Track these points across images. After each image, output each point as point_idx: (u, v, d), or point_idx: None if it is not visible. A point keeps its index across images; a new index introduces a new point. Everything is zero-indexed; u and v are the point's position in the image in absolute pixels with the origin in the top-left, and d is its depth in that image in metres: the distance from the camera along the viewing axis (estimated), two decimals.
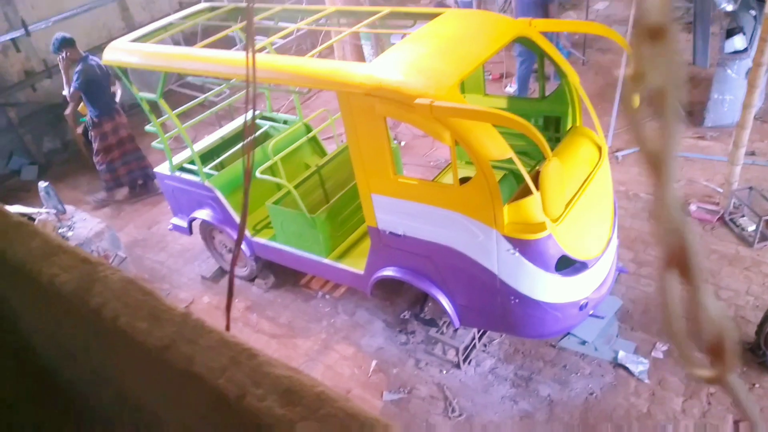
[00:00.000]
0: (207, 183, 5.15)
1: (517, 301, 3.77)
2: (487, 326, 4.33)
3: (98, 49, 9.07)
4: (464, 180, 4.80)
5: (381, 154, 3.72)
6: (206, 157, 5.66)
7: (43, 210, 5.61)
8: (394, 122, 7.87)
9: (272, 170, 4.95)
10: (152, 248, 6.59)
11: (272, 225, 5.01)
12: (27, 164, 8.40)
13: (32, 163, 8.40)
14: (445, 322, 4.68)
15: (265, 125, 6.01)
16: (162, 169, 5.56)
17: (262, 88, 5.87)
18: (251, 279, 5.73)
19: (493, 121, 3.28)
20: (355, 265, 4.71)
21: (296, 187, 4.78)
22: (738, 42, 6.43)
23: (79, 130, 8.13)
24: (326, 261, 4.81)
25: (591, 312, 4.00)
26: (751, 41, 6.44)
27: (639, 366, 4.42)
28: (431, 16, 4.23)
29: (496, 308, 3.93)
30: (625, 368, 4.43)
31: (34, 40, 8.10)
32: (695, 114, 7.22)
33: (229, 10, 5.30)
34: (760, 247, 5.27)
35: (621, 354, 4.51)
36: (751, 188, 5.58)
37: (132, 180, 7.48)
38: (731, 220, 5.58)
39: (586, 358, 4.57)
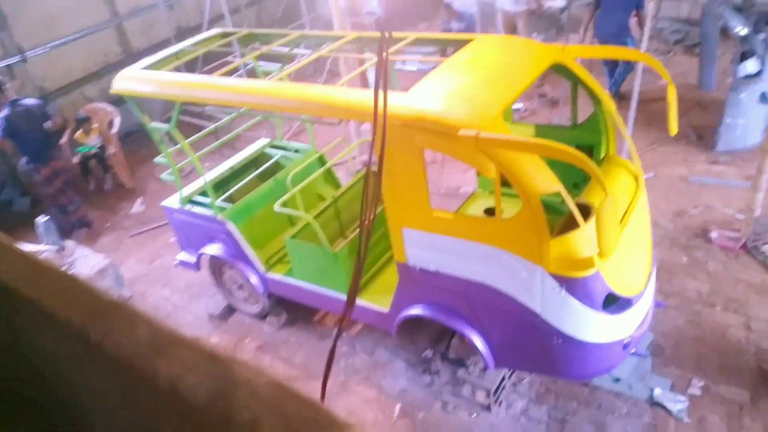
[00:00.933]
0: (219, 216, 4.92)
1: (560, 341, 3.57)
2: (523, 367, 4.12)
3: (96, 76, 8.89)
4: (488, 211, 4.66)
5: (416, 186, 3.54)
6: (214, 189, 5.44)
7: (42, 247, 5.33)
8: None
9: (290, 203, 4.73)
10: (155, 283, 6.31)
11: (290, 260, 4.78)
12: (18, 196, 8.09)
13: (24, 194, 8.09)
14: (474, 362, 4.46)
15: (276, 154, 5.81)
16: (170, 202, 5.32)
17: (274, 117, 5.69)
18: (263, 316, 5.46)
19: (543, 153, 3.11)
20: (379, 302, 4.49)
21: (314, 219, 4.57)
22: (750, 66, 6.40)
23: (76, 159, 7.87)
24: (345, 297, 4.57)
25: (633, 350, 3.81)
26: (763, 64, 6.43)
27: (677, 405, 4.23)
28: (461, 43, 4.09)
29: (536, 349, 3.73)
30: (663, 407, 4.24)
31: (29, 66, 7.86)
32: (706, 138, 7.17)
33: (243, 36, 5.13)
34: None
35: (657, 392, 4.32)
36: None
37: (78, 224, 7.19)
38: (755, 247, 5.47)
39: (621, 396, 4.37)
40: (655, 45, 9.66)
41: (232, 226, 4.92)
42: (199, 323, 5.65)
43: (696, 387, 4.35)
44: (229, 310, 5.70)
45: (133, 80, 4.56)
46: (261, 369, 0.84)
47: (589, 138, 4.15)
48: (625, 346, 3.69)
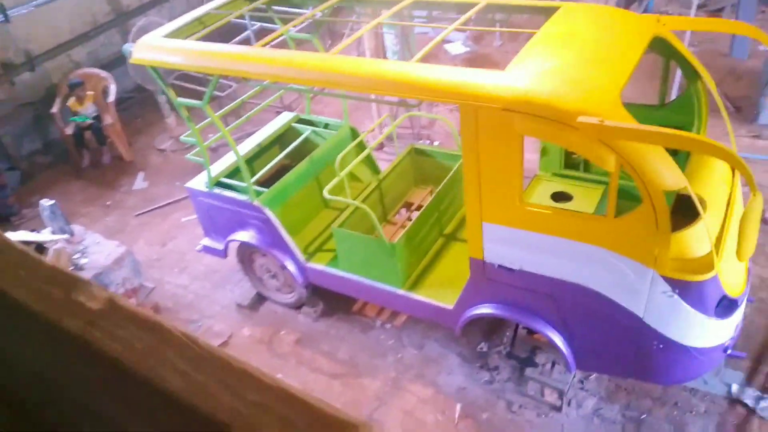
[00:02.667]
0: (256, 202, 4.44)
1: (661, 346, 3.27)
2: (610, 372, 3.83)
3: (84, 37, 8.11)
4: (556, 196, 4.27)
5: (508, 178, 3.13)
6: (237, 170, 4.93)
7: (52, 236, 4.78)
8: (428, 121, 7.26)
9: (337, 188, 4.27)
10: (170, 269, 5.81)
11: (337, 250, 4.36)
12: (6, 169, 7.40)
13: (11, 168, 7.41)
14: (551, 362, 4.16)
15: (305, 130, 5.30)
16: (195, 184, 4.80)
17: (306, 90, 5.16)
18: (298, 307, 5.05)
19: (680, 145, 2.73)
20: (439, 297, 4.12)
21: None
22: None
23: (69, 130, 7.21)
24: (403, 292, 4.20)
25: (730, 351, 3.53)
26: None
27: (760, 402, 4.00)
28: (541, 11, 3.64)
29: (630, 353, 3.43)
30: (743, 404, 4.01)
31: (12, 27, 7.08)
32: (744, 110, 6.86)
33: None
34: None
35: (735, 387, 4.10)
36: None
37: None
38: None
39: (697, 393, 4.12)
40: (675, 8, 9.25)
41: (269, 213, 4.46)
42: (227, 314, 5.21)
43: None
44: (259, 299, 5.27)
45: (158, 50, 3.99)
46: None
47: (679, 119, 3.77)
48: (725, 349, 3.41)
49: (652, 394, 4.15)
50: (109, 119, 7.32)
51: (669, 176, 2.76)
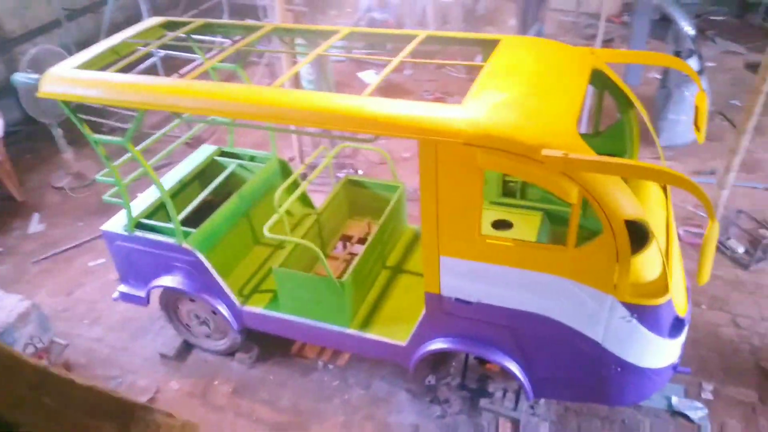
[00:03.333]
0: (185, 245, 4.09)
1: (619, 369, 3.31)
2: (569, 398, 3.82)
3: None
4: (497, 224, 4.28)
5: (467, 211, 3.07)
6: (156, 210, 4.55)
7: None
8: (352, 151, 7.14)
9: (277, 225, 4.03)
10: (80, 321, 5.23)
11: (278, 291, 4.10)
12: None
13: None
14: (503, 390, 4.11)
15: (230, 164, 5.00)
16: (112, 226, 4.35)
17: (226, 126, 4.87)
18: (231, 353, 4.70)
19: (644, 176, 2.78)
20: (391, 334, 3.97)
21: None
22: (694, 64, 6.61)
23: None
24: (352, 332, 4.01)
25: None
26: (701, 64, 6.68)
27: (698, 412, 4.19)
28: (478, 43, 3.66)
29: (589, 378, 3.44)
30: (684, 416, 4.18)
31: None
32: (642, 133, 7.34)
33: (197, 27, 4.26)
34: (756, 269, 5.35)
35: (674, 400, 4.26)
36: (740, 211, 5.69)
37: None
38: (721, 243, 5.63)
39: (641, 409, 4.24)
40: (571, 39, 9.84)
41: (200, 256, 4.12)
42: (150, 367, 4.74)
43: (707, 391, 4.33)
44: (186, 348, 4.85)
45: (71, 83, 3.59)
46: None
47: (612, 147, 3.91)
48: (674, 367, 3.53)
49: (599, 414, 4.21)
50: None
51: (629, 206, 2.81)
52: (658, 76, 7.65)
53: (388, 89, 8.72)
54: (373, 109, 2.98)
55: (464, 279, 3.34)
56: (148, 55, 4.13)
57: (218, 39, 4.38)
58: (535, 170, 2.78)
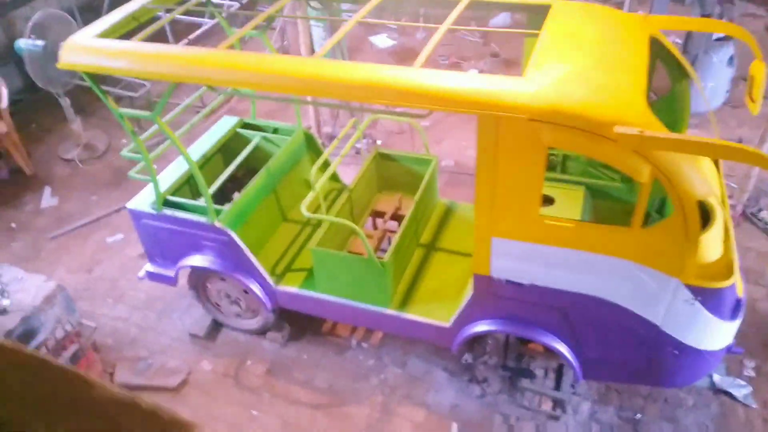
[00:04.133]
0: (217, 223, 3.94)
1: (676, 352, 3.22)
2: (618, 379, 3.75)
3: None
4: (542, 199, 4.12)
5: (528, 191, 2.92)
6: (180, 187, 4.38)
7: None
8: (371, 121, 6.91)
9: (314, 203, 3.87)
10: (103, 300, 5.10)
11: (315, 271, 3.96)
12: None
13: None
14: (545, 370, 4.03)
15: (255, 137, 4.80)
16: (138, 204, 4.18)
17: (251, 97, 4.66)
18: (262, 332, 4.60)
19: (724, 155, 2.62)
20: (433, 314, 3.86)
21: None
22: None
23: None
24: (392, 312, 3.90)
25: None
26: None
27: (741, 390, 4.14)
28: (528, 9, 3.45)
29: (642, 360, 3.36)
30: (727, 393, 4.12)
31: None
32: None
33: None
34: None
35: (716, 378, 4.21)
36: None
37: None
38: (753, 214, 5.52)
39: (683, 387, 4.18)
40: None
41: (233, 234, 3.97)
42: (180, 347, 4.64)
43: (749, 368, 4.27)
44: (216, 327, 4.74)
45: (93, 53, 3.37)
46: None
47: (664, 119, 3.72)
48: (729, 348, 3.44)
49: (641, 392, 4.16)
50: (3, 127, 6.33)
51: (701, 186, 2.66)
52: (679, 41, 7.41)
53: (400, 54, 8.44)
54: (428, 83, 2.80)
55: (518, 261, 3.22)
56: (171, 22, 3.88)
57: (231, 2, 4.15)
58: (605, 148, 2.62)
